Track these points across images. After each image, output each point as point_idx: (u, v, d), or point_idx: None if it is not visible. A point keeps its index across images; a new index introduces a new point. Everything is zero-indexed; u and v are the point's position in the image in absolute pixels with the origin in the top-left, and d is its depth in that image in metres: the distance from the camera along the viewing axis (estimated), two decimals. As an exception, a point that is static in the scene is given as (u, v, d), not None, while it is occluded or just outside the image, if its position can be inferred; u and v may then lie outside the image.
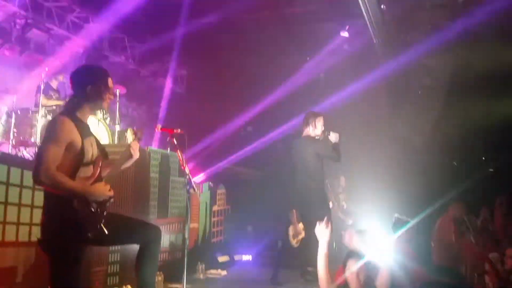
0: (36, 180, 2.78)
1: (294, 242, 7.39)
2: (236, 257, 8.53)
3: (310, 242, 7.92)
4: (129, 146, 3.27)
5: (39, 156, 2.85)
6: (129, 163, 3.31)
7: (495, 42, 8.67)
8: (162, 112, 10.19)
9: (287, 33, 9.53)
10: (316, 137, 5.55)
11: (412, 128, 10.33)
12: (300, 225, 7.41)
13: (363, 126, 10.30)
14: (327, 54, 10.46)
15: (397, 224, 5.26)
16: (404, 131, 10.18)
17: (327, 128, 5.66)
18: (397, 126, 10.29)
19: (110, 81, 3.17)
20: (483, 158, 9.61)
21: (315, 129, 5.55)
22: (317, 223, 3.79)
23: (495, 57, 8.57)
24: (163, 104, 10.25)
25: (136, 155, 3.27)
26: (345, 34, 9.67)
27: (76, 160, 2.92)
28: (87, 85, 3.06)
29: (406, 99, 10.66)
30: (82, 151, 2.93)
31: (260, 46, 9.72)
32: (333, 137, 5.59)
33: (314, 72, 10.81)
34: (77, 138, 2.92)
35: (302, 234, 7.43)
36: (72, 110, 3.06)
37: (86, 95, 3.06)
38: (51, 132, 2.90)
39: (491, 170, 9.00)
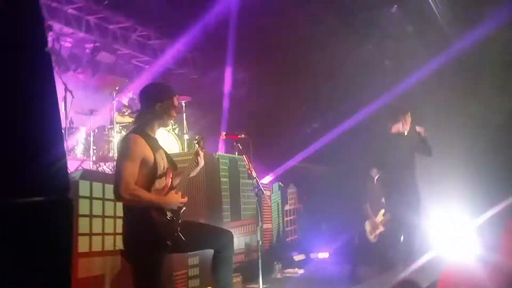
0: (118, 196, 2.98)
1: (371, 237, 7.23)
2: (312, 255, 8.48)
3: (391, 236, 7.74)
4: (196, 154, 3.39)
5: (118, 174, 3.05)
6: (196, 171, 3.43)
7: None
8: (225, 118, 10.38)
9: (345, 23, 9.32)
10: (405, 133, 5.61)
11: (490, 106, 9.67)
12: (378, 219, 7.24)
13: (436, 109, 9.82)
14: (390, 39, 10.10)
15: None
16: (482, 110, 9.56)
17: (414, 123, 5.67)
18: (474, 106, 9.68)
19: (176, 99, 3.33)
20: None
21: (405, 125, 5.60)
22: None
23: None
24: (226, 109, 10.43)
25: (202, 162, 3.39)
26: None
27: (150, 174, 3.09)
28: (156, 103, 3.21)
29: (481, 77, 10.01)
30: (155, 165, 3.09)
31: (317, 40, 9.59)
32: (422, 132, 5.60)
33: (378, 59, 10.48)
34: (149, 153, 3.09)
35: (381, 229, 7.25)
36: (142, 127, 3.24)
37: (154, 112, 3.22)
38: (125, 150, 3.09)
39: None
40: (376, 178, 7.37)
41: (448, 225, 6.19)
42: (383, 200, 7.58)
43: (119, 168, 3.05)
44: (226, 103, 10.57)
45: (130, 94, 7.50)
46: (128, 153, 3.05)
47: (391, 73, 10.20)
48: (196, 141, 3.71)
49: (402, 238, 8.19)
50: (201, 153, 3.44)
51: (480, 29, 9.18)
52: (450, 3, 8.75)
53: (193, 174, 3.44)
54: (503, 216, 6.15)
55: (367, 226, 7.17)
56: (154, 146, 3.19)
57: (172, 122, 7.18)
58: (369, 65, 10.23)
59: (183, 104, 7.73)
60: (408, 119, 5.61)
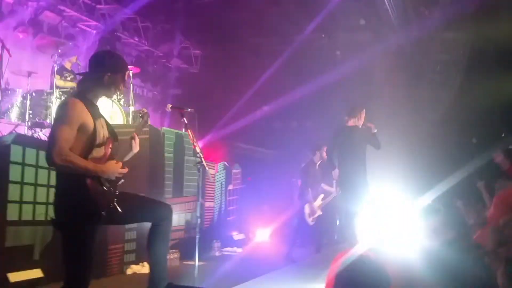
0: (50, 161, 2.81)
1: (310, 220, 7.43)
2: (252, 235, 8.60)
3: (328, 220, 7.98)
4: (130, 138, 3.26)
5: (52, 137, 2.87)
6: (129, 156, 3.29)
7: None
8: (173, 93, 10.19)
9: (302, 9, 9.34)
10: (360, 126, 6.19)
11: (430, 104, 10.13)
12: (317, 203, 7.44)
13: (380, 102, 10.16)
14: (343, 29, 10.27)
15: (428, 211, 5.29)
16: (422, 107, 10.00)
17: (367, 119, 6.29)
18: (415, 101, 10.10)
19: (128, 73, 3.19)
20: (503, 135, 9.37)
21: (360, 120, 6.18)
22: None
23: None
24: (176, 84, 10.24)
25: (136, 148, 3.26)
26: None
27: (88, 142, 2.94)
28: (107, 72, 3.06)
29: (423, 75, 10.44)
30: (94, 133, 2.95)
31: (273, 23, 9.58)
32: (372, 127, 6.23)
33: (329, 49, 10.64)
34: (89, 119, 2.94)
35: (319, 212, 7.46)
36: (83, 92, 3.08)
37: (103, 82, 3.06)
38: (63, 114, 2.91)
39: (511, 147, 8.76)
40: (318, 163, 7.52)
41: (390, 211, 6.47)
42: (322, 185, 7.79)
43: (54, 132, 2.87)
44: (174, 77, 10.36)
45: (73, 59, 7.13)
46: (66, 117, 2.88)
47: (340, 62, 10.41)
48: (140, 115, 3.58)
49: (337, 222, 8.50)
50: (136, 139, 3.26)
51: (426, 28, 9.55)
52: (402, 2, 8.98)
53: (126, 158, 3.26)
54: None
55: (306, 209, 7.34)
56: (95, 113, 3.03)
57: (118, 93, 6.94)
58: (321, 54, 10.38)
59: (131, 75, 7.46)
60: (363, 115, 6.22)
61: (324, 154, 7.51)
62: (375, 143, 6.24)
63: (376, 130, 6.26)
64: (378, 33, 9.89)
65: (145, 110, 3.62)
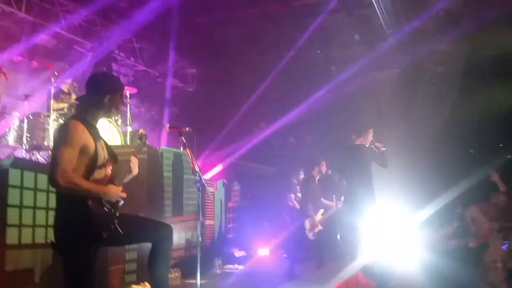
0: (53, 182, 2.80)
1: (310, 235, 7.40)
2: (253, 252, 8.54)
3: (329, 234, 7.95)
4: (128, 161, 3.26)
5: (55, 159, 2.87)
6: (129, 178, 3.28)
7: (509, 27, 8.46)
8: (170, 112, 10.22)
9: (297, 26, 9.44)
10: (367, 145, 6.36)
11: (428, 117, 10.18)
12: (317, 218, 7.42)
13: (378, 117, 10.21)
14: (339, 46, 10.36)
15: (426, 225, 5.34)
16: (420, 121, 10.05)
17: (374, 138, 6.50)
18: (413, 116, 10.15)
19: (125, 93, 3.20)
20: (501, 145, 9.40)
21: (367, 139, 6.37)
22: None
23: (510, 43, 8.38)
24: (173, 103, 10.27)
25: (135, 170, 3.26)
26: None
27: (90, 163, 2.95)
28: (106, 95, 3.08)
29: (420, 88, 10.51)
30: (95, 154, 2.96)
31: (268, 41, 9.67)
32: (380, 147, 6.40)
33: (325, 64, 10.72)
34: (90, 141, 2.95)
35: (319, 227, 7.44)
36: (83, 114, 3.09)
37: (102, 103, 3.08)
38: (65, 135, 2.92)
39: (509, 157, 8.79)
40: (317, 178, 7.52)
41: (390, 224, 6.46)
42: (322, 199, 7.78)
43: (57, 154, 2.87)
44: (170, 97, 10.39)
45: (69, 81, 7.15)
46: (67, 139, 2.89)
47: (336, 77, 10.48)
48: (138, 137, 3.59)
49: (338, 236, 8.45)
50: (135, 161, 3.27)
51: (421, 43, 9.65)
52: (395, 16, 9.09)
53: (126, 180, 3.24)
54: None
55: (307, 224, 7.31)
56: (95, 135, 3.05)
57: (116, 114, 6.94)
58: (316, 69, 10.46)
59: (128, 95, 7.48)
60: (370, 135, 6.41)
61: (323, 168, 7.52)
62: (382, 162, 6.38)
63: (384, 149, 6.40)
64: (373, 48, 10.00)
65: (143, 132, 3.62)
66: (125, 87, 3.31)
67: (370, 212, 6.03)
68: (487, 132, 9.32)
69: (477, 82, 9.33)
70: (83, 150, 2.91)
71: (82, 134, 2.93)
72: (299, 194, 8.01)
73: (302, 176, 7.72)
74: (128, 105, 7.69)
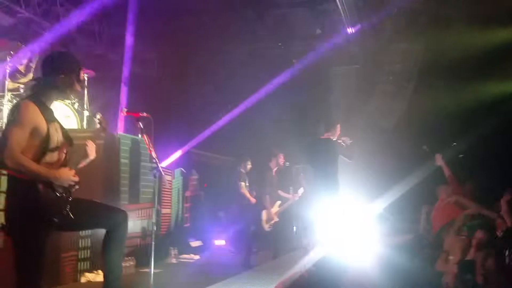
0: (1, 163, 2.75)
1: (266, 226, 7.52)
2: (209, 241, 8.58)
3: (284, 226, 8.10)
4: (85, 145, 3.21)
5: (4, 139, 2.81)
6: (85, 162, 3.23)
7: (466, 27, 8.79)
8: (127, 96, 10.03)
9: (259, 17, 9.47)
10: (334, 139, 6.56)
11: (382, 113, 10.49)
12: (273, 210, 7.54)
13: (334, 109, 10.42)
14: (299, 39, 10.48)
15: (381, 219, 5.52)
16: (374, 116, 10.34)
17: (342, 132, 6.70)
18: (369, 111, 10.43)
19: (82, 73, 3.14)
20: (454, 144, 9.80)
21: (335, 134, 6.53)
22: None
23: (467, 42, 8.70)
24: (131, 88, 10.08)
25: (92, 155, 3.21)
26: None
27: (41, 146, 2.89)
28: (60, 73, 3.01)
29: (376, 85, 10.79)
30: (47, 137, 2.90)
31: (230, 30, 9.65)
32: (346, 140, 6.61)
33: (286, 57, 10.82)
34: (42, 123, 2.88)
35: (275, 219, 7.56)
36: (37, 94, 3.02)
37: (56, 83, 3.01)
38: (16, 116, 2.86)
39: (461, 156, 9.19)
40: (274, 170, 7.62)
41: (345, 218, 6.66)
42: (279, 191, 7.90)
43: (6, 133, 2.81)
44: (129, 82, 10.19)
45: (25, 60, 6.89)
46: (18, 119, 2.82)
47: (295, 71, 10.61)
48: (98, 121, 3.52)
49: (294, 228, 8.63)
50: (92, 145, 3.20)
51: (379, 40, 9.92)
52: (356, 12, 9.27)
53: (82, 165, 3.19)
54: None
55: (264, 216, 7.42)
56: (49, 116, 2.97)
57: (72, 96, 6.75)
58: (277, 62, 10.54)
59: (86, 78, 7.29)
60: (338, 130, 6.60)
61: (281, 160, 7.63)
62: (347, 154, 6.61)
63: (351, 141, 6.62)
64: (333, 42, 10.18)
65: (103, 117, 3.56)
66: (83, 69, 3.22)
67: (332, 205, 6.21)
68: (441, 129, 9.72)
69: (433, 80, 9.68)
70: (34, 131, 2.85)
71: (33, 115, 2.86)
72: (247, 184, 8.03)
73: (249, 166, 7.76)
74: (86, 88, 7.50)
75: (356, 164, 8.22)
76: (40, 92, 3.03)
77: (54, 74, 3.01)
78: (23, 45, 7.17)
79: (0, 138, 2.91)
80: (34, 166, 2.81)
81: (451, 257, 4.82)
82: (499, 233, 4.68)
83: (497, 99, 8.95)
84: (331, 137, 6.52)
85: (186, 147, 9.85)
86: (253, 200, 7.43)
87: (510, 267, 3.78)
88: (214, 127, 10.35)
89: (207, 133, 10.13)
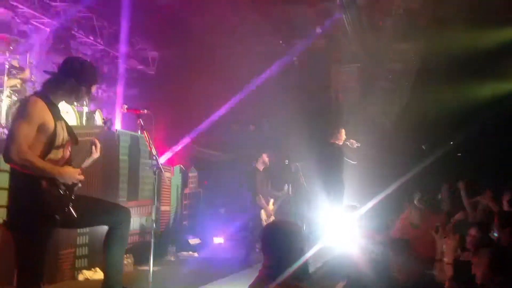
0: (7, 158, 2.75)
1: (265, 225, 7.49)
2: (208, 239, 8.56)
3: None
4: (91, 144, 3.18)
5: (11, 134, 2.81)
6: (89, 161, 3.19)
7: (465, 27, 8.80)
8: (129, 94, 10.01)
9: (261, 15, 9.45)
10: (340, 143, 7.29)
11: (381, 111, 10.50)
12: (270, 208, 7.52)
13: (334, 107, 10.43)
14: (300, 38, 10.47)
15: (349, 210, 5.56)
16: (374, 114, 10.35)
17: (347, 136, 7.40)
18: (367, 110, 10.44)
19: (94, 88, 3.13)
20: (451, 143, 9.83)
21: (340, 138, 7.28)
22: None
23: (465, 42, 8.72)
24: (132, 85, 10.07)
25: (96, 154, 3.18)
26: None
27: (48, 142, 2.88)
28: (70, 78, 2.99)
29: (376, 83, 10.81)
30: (54, 133, 2.89)
31: (231, 28, 9.63)
32: (354, 143, 7.30)
33: (287, 56, 10.81)
34: (49, 119, 2.88)
35: (272, 217, 7.54)
36: (46, 92, 3.00)
37: (64, 86, 3.00)
38: (24, 111, 2.85)
39: (459, 154, 9.20)
40: (262, 168, 7.59)
41: (337, 215, 6.65)
42: (269, 188, 7.86)
43: (13, 129, 2.81)
44: (130, 78, 10.18)
45: (27, 56, 6.86)
46: (26, 114, 2.81)
47: (297, 70, 10.61)
48: (103, 121, 3.50)
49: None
50: (98, 144, 3.16)
51: (379, 39, 9.92)
52: (356, 12, 9.26)
53: (85, 164, 3.16)
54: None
55: (263, 214, 7.39)
56: (56, 114, 2.97)
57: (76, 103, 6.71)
58: (279, 59, 10.52)
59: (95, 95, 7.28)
60: (342, 134, 7.32)
61: (266, 159, 7.62)
62: (352, 157, 7.32)
63: (358, 145, 7.30)
64: (334, 41, 10.18)
65: (108, 117, 3.54)
66: (97, 85, 3.20)
67: (334, 206, 6.41)
68: (439, 128, 9.73)
69: (431, 80, 9.70)
70: (41, 128, 2.85)
71: (41, 111, 2.86)
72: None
73: (267, 159, 7.79)
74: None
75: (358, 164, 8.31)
76: (49, 90, 3.02)
77: (66, 76, 3.01)
78: (23, 40, 7.15)
79: (8, 133, 2.90)
80: (40, 162, 2.81)
81: (445, 259, 4.81)
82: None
83: (495, 98, 8.98)
84: (336, 142, 7.22)
85: (185, 144, 9.83)
86: (269, 210, 7.45)
87: (507, 264, 3.77)
88: (214, 123, 10.32)
89: (207, 130, 10.10)
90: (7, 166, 2.93)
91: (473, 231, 4.60)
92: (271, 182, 7.83)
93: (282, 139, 9.00)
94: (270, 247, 2.46)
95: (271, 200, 7.64)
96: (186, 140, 9.86)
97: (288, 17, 9.51)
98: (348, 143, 7.27)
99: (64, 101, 3.18)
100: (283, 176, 8.34)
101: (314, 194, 7.18)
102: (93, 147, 3.15)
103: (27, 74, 6.77)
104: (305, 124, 9.27)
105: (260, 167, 7.56)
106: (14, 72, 6.73)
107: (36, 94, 3.01)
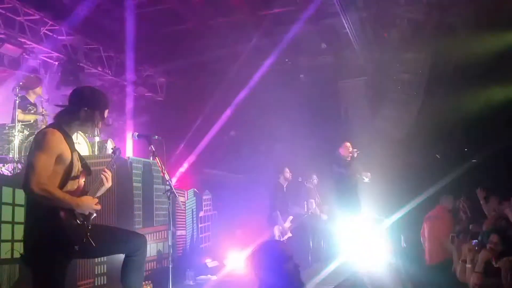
0: (27, 189, 2.75)
1: (280, 243, 7.42)
2: (225, 261, 8.48)
3: (299, 241, 8.03)
4: (99, 172, 3.21)
5: (30, 166, 2.81)
6: (102, 191, 3.22)
7: (471, 34, 8.78)
8: (139, 121, 10.10)
9: (265, 35, 9.54)
10: (347, 158, 7.84)
11: (393, 123, 10.42)
12: (286, 225, 7.46)
13: (344, 124, 10.39)
14: (306, 54, 10.52)
15: (377, 223, 5.50)
16: (385, 127, 10.27)
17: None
18: (378, 122, 10.37)
19: (107, 112, 3.15)
20: (466, 150, 9.70)
21: (347, 151, 7.84)
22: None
23: (473, 49, 8.68)
24: (141, 112, 10.16)
25: (108, 183, 3.20)
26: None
27: (65, 173, 2.91)
28: (83, 107, 3.02)
29: (385, 95, 10.76)
30: (71, 165, 2.91)
31: (237, 49, 9.72)
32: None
33: (294, 73, 10.85)
34: (66, 150, 2.91)
35: (289, 234, 7.47)
36: (61, 124, 3.03)
37: (78, 116, 3.03)
38: (42, 142, 2.87)
39: (474, 161, 9.07)
40: (285, 185, 7.56)
41: (359, 229, 6.58)
42: (292, 206, 7.82)
43: (32, 160, 2.81)
44: (139, 106, 10.27)
45: (38, 90, 6.97)
46: (44, 146, 2.83)
47: (304, 86, 10.62)
48: (112, 150, 3.53)
49: (311, 243, 8.53)
50: (108, 173, 3.19)
51: (386, 50, 9.92)
52: (361, 25, 9.30)
53: (99, 194, 3.18)
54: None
55: (276, 231, 7.33)
56: (71, 145, 3.01)
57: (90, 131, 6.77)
58: (286, 78, 10.57)
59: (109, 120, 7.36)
60: (347, 148, 7.86)
61: (288, 175, 7.59)
62: (360, 170, 7.80)
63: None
64: (340, 56, 10.20)
65: (116, 146, 3.57)
66: (108, 110, 3.23)
67: (353, 220, 6.42)
68: (452, 137, 9.62)
69: (441, 88, 9.62)
70: (59, 159, 2.87)
71: (59, 143, 2.89)
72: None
73: (288, 174, 7.81)
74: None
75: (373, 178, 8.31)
76: (63, 121, 3.05)
77: (78, 106, 3.04)
78: (31, 75, 7.26)
79: (26, 164, 2.92)
80: (59, 193, 2.82)
81: (468, 266, 4.73)
82: None
83: (506, 104, 8.88)
84: (345, 154, 7.69)
85: (197, 168, 9.85)
86: (285, 227, 7.44)
87: None
88: (225, 145, 10.35)
89: (218, 152, 10.13)
90: (23, 201, 2.95)
91: (494, 238, 4.53)
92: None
93: (293, 157, 8.95)
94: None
95: (290, 217, 7.59)
96: (197, 163, 9.88)
97: (292, 36, 9.57)
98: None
99: (79, 131, 3.22)
100: (298, 193, 8.30)
101: (330, 209, 7.19)
102: (104, 176, 3.17)
103: (41, 110, 6.86)
104: (315, 141, 9.28)
105: (284, 182, 7.58)
106: (29, 107, 6.83)
107: (52, 125, 3.04)
